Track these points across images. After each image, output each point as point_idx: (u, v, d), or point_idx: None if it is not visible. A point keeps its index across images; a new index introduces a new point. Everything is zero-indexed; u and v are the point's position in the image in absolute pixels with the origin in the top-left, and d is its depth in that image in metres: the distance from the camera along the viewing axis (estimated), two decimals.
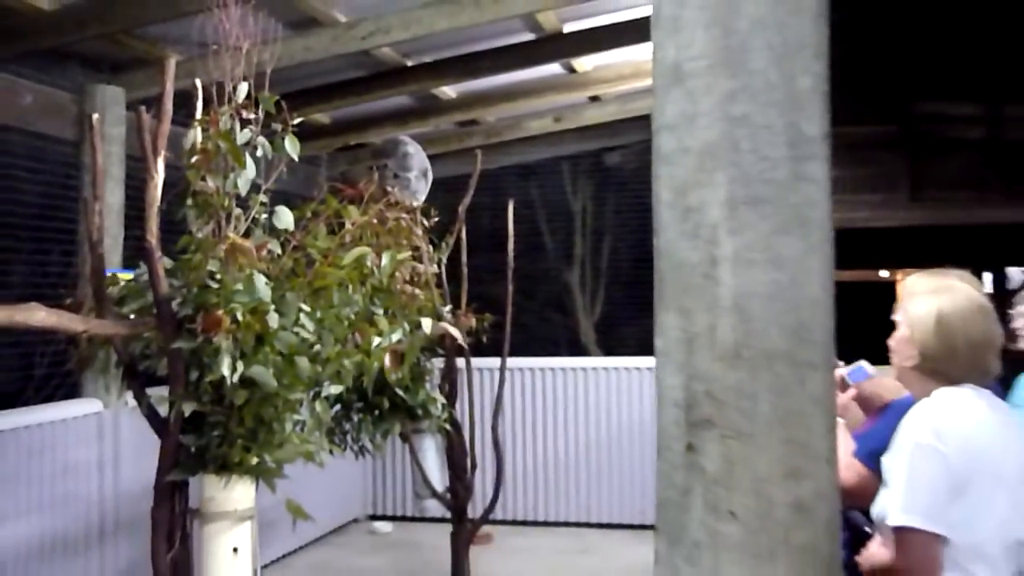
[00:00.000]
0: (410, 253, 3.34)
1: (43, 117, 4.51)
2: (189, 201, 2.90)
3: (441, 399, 5.28)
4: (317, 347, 3.10)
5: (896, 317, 2.25)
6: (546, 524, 6.85)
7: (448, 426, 5.27)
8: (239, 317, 2.78)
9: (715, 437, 1.02)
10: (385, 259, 3.28)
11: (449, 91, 6.20)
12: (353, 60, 5.27)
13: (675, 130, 1.05)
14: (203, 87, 3.04)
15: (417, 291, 3.47)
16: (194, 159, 2.88)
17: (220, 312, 2.69)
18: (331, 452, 5.26)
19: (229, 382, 2.77)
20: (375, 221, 3.31)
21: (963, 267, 2.32)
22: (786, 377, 1.02)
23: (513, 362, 7.09)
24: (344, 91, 5.59)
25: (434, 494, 5.38)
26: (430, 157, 5.44)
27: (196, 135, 2.89)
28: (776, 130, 1.03)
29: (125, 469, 4.43)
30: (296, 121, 3.23)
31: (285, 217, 2.92)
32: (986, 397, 2.18)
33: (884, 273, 9.07)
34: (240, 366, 2.78)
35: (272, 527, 6.18)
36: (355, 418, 5.17)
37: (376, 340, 3.06)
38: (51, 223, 4.50)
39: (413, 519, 6.86)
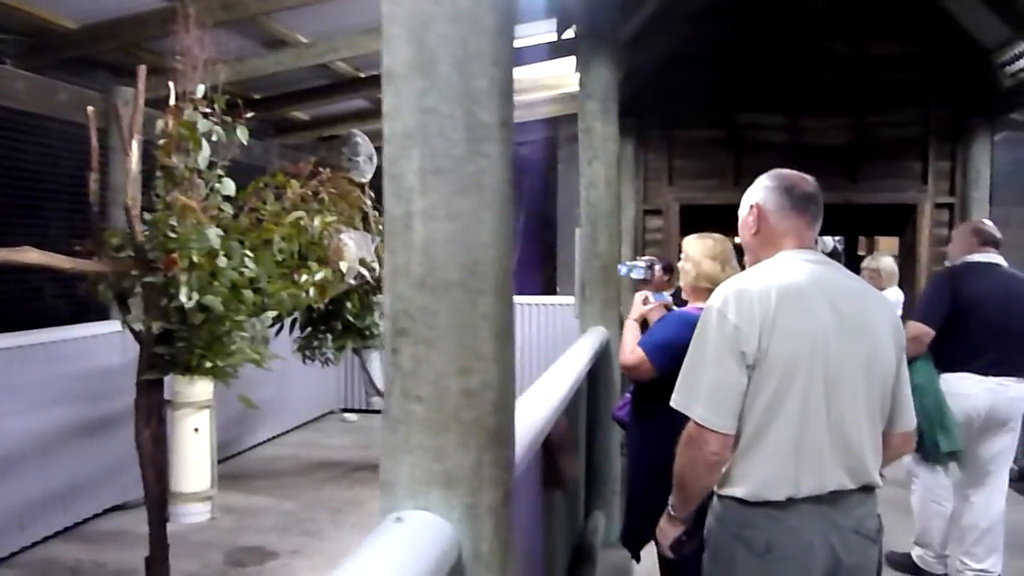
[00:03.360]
0: (335, 218, 3.29)
1: (76, 111, 4.35)
2: (159, 174, 2.83)
3: (381, 323, 5.27)
4: (261, 284, 3.07)
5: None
6: None
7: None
8: (194, 259, 2.73)
9: (409, 343, 1.02)
10: (316, 221, 3.24)
11: None
12: (319, 72, 5.16)
13: (388, 118, 1.03)
14: (174, 87, 2.96)
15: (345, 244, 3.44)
16: (161, 142, 2.81)
17: (175, 255, 2.63)
18: (304, 361, 5.25)
19: (187, 307, 2.73)
20: (310, 193, 3.27)
21: None
22: (460, 300, 1.02)
23: None
24: (314, 95, 5.48)
25: (378, 393, 5.38)
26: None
27: (162, 123, 2.81)
28: (456, 119, 1.01)
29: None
30: (248, 115, 3.16)
31: (228, 186, 2.86)
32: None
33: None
34: (195, 296, 2.74)
35: (266, 416, 6.17)
36: (319, 337, 5.16)
37: (304, 277, 3.04)
38: (82, 191, 4.38)
39: (374, 411, 6.87)
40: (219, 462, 5.44)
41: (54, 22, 3.82)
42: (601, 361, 3.67)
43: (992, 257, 3.36)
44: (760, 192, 1.76)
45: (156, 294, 2.77)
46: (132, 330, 2.86)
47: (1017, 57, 5.80)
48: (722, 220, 8.13)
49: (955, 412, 3.14)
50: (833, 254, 11.18)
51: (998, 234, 3.42)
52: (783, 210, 1.71)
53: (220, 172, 2.97)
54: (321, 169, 3.28)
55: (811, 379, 1.55)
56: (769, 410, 1.56)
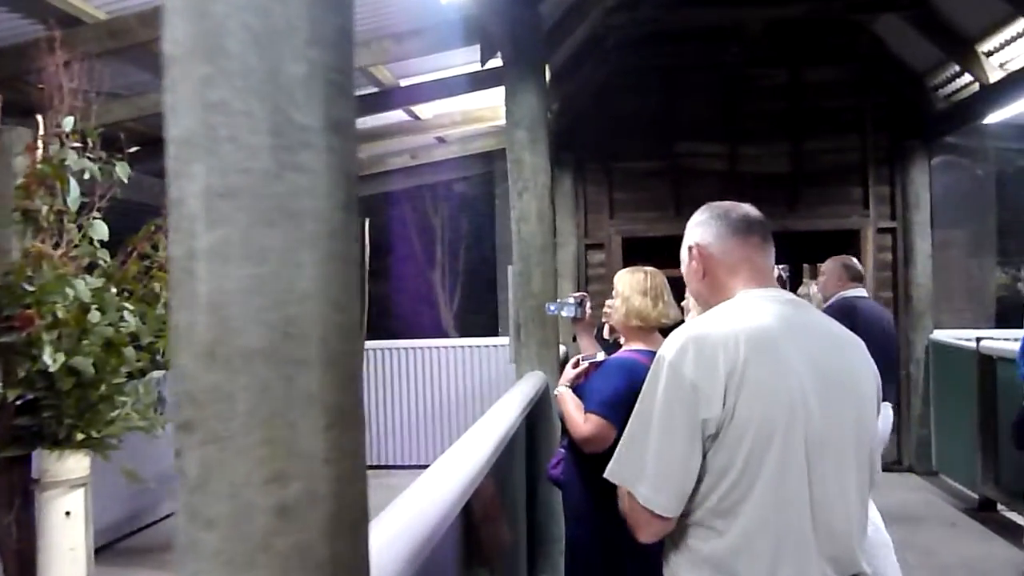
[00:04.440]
0: None
1: None
2: (17, 217, 2.46)
3: None
4: (148, 339, 2.70)
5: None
6: (412, 467, 6.52)
7: None
8: (59, 315, 2.36)
9: (195, 441, 0.71)
10: None
11: None
12: None
13: (167, 120, 0.73)
14: (42, 121, 2.61)
15: None
16: (19, 181, 2.45)
17: (32, 311, 2.26)
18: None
19: (51, 370, 2.35)
20: None
21: None
22: (268, 376, 0.71)
23: (389, 343, 6.76)
24: None
25: None
26: None
27: (22, 161, 2.45)
28: (257, 119, 0.71)
29: None
30: (132, 149, 2.83)
31: (100, 229, 2.51)
32: None
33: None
34: (60, 357, 2.36)
35: None
36: None
37: None
38: None
39: None
40: (135, 531, 4.95)
41: None
42: (539, 408, 3.37)
43: (863, 291, 3.82)
44: (695, 231, 1.49)
45: (15, 356, 2.38)
46: None
47: (949, 80, 5.80)
48: (665, 252, 8.03)
49: None
50: (778, 281, 11.16)
51: (862, 268, 3.92)
52: (724, 239, 1.44)
53: (97, 214, 2.62)
54: None
55: (789, 449, 1.26)
56: (737, 488, 1.26)
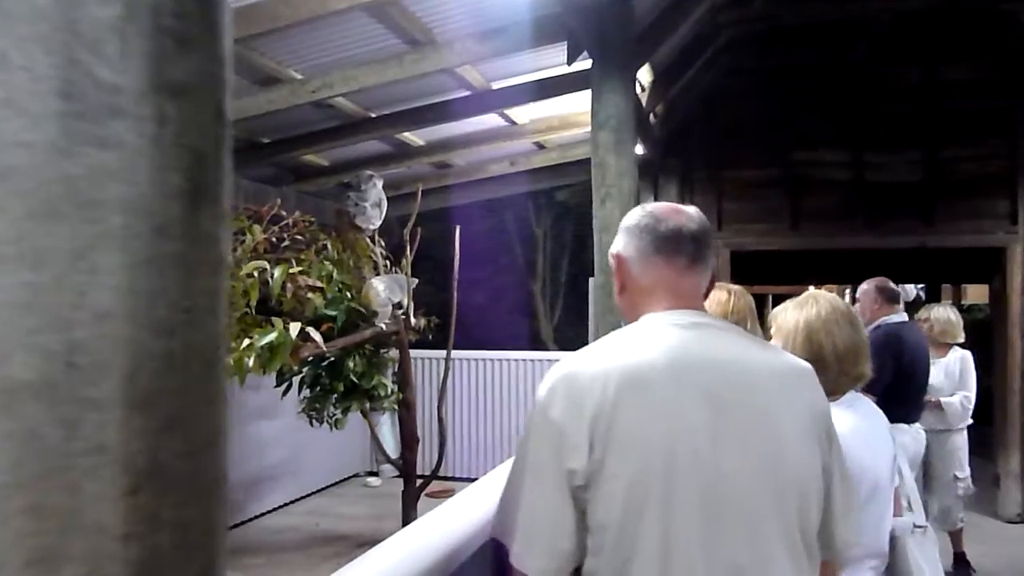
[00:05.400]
0: (299, 268, 2.86)
1: None
2: None
3: (391, 383, 4.81)
4: None
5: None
6: None
7: (396, 406, 4.79)
8: None
9: None
10: (277, 272, 2.81)
11: (418, 139, 5.74)
12: (328, 113, 4.85)
13: None
14: None
15: (311, 296, 2.99)
16: None
17: None
18: (311, 423, 4.85)
19: None
20: (273, 240, 2.86)
21: (833, 284, 1.86)
22: (37, 420, 0.53)
23: (475, 354, 6.66)
24: (324, 137, 5.16)
25: (389, 460, 4.90)
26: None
27: None
28: (41, 74, 0.54)
29: None
30: None
31: None
32: (858, 404, 1.71)
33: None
34: None
35: (279, 479, 5.76)
36: (321, 398, 4.75)
37: (245, 342, 2.59)
38: None
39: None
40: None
41: None
42: None
43: (904, 315, 3.69)
44: (619, 237, 1.27)
45: None
46: None
47: None
48: (777, 268, 7.50)
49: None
50: (915, 303, 10.25)
51: (899, 290, 3.76)
52: (645, 257, 1.22)
53: None
54: (284, 213, 2.87)
55: (674, 506, 1.03)
56: (619, 549, 1.04)
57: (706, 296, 1.25)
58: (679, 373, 1.08)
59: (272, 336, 2.62)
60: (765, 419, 1.09)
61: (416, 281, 5.03)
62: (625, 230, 1.25)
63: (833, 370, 1.55)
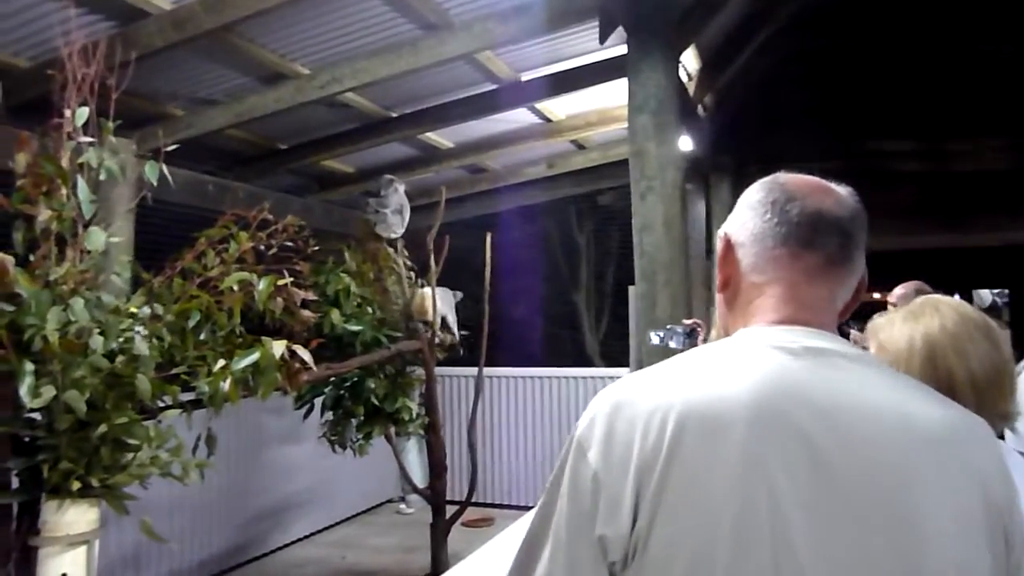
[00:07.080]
0: (290, 279, 2.49)
1: None
2: (16, 224, 2.14)
3: (416, 406, 4.42)
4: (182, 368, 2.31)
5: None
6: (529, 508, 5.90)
7: (422, 431, 4.40)
8: (48, 339, 1.99)
9: None
10: (262, 283, 2.45)
11: (446, 141, 5.37)
12: (344, 114, 4.52)
13: None
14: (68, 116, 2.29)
15: (305, 312, 2.62)
16: (20, 183, 2.12)
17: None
18: (333, 449, 4.50)
19: (29, 405, 1.99)
20: (261, 247, 2.51)
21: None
22: None
23: (513, 371, 6.24)
24: (344, 140, 4.82)
25: (415, 489, 4.50)
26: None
27: (22, 159, 2.12)
28: None
29: None
30: (170, 147, 2.47)
31: (95, 239, 2.12)
32: (1015, 462, 1.22)
33: None
34: (48, 391, 1.98)
35: (307, 506, 5.41)
36: (342, 423, 4.39)
37: (219, 363, 2.23)
38: None
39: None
40: (234, 567, 4.72)
41: (7, 62, 3.33)
42: None
43: None
44: (735, 212, 0.90)
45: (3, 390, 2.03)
46: None
47: None
48: None
49: None
50: (991, 310, 9.42)
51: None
52: (763, 245, 0.85)
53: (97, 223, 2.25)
54: (270, 217, 2.51)
55: None
56: None
57: (848, 313, 0.86)
58: (769, 418, 0.73)
59: (253, 357, 2.26)
60: (892, 502, 0.71)
61: (460, 295, 4.70)
62: (744, 205, 0.88)
63: (969, 406, 1.07)
